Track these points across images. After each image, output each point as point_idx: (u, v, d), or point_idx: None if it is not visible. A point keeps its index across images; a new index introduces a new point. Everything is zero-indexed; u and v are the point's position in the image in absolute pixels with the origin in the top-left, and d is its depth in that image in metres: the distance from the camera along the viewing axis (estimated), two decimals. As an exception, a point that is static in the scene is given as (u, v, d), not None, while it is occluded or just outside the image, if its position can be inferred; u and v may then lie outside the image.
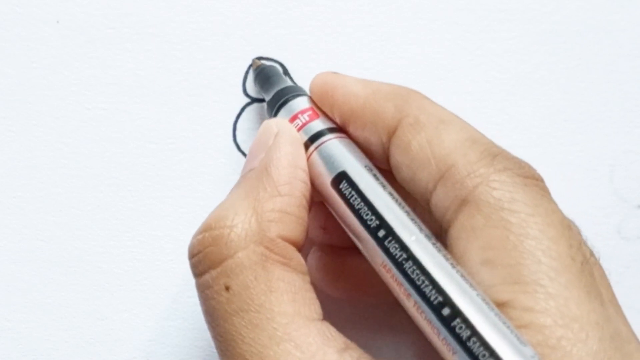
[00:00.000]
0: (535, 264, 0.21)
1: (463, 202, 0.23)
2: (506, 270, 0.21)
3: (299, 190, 0.24)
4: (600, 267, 0.24)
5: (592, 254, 0.24)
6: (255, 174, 0.25)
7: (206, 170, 0.31)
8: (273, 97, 0.28)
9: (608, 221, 0.33)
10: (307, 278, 0.24)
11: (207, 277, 0.23)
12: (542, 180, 0.24)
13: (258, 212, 0.23)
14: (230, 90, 0.31)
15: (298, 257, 0.24)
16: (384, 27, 0.32)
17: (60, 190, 0.30)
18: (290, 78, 0.31)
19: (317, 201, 0.27)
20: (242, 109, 0.31)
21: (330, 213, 0.28)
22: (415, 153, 0.24)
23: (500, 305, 0.21)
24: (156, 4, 0.31)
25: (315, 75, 0.28)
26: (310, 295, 0.23)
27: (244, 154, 0.31)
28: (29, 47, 0.30)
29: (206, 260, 0.23)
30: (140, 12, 0.30)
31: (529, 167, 0.24)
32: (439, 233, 0.25)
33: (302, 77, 0.31)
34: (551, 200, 0.23)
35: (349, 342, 0.22)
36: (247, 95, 0.31)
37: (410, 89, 0.26)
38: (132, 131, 0.30)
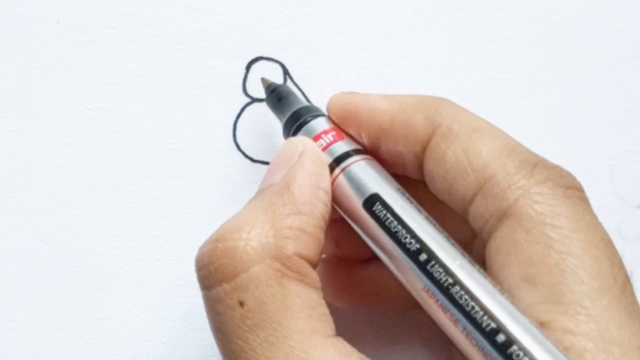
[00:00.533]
0: (578, 284, 0.21)
1: (504, 215, 0.22)
2: (547, 289, 0.21)
3: (319, 211, 0.24)
4: (631, 285, 0.24)
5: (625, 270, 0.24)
6: (276, 189, 0.24)
7: (206, 170, 0.31)
8: (290, 117, 0.27)
9: (608, 221, 0.33)
10: (321, 294, 0.23)
11: (218, 290, 0.22)
12: (582, 191, 0.23)
13: (276, 228, 0.23)
14: (230, 90, 0.31)
15: (313, 274, 0.23)
16: (384, 27, 0.32)
17: (60, 190, 0.30)
18: (291, 78, 0.31)
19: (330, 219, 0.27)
20: (242, 109, 0.31)
21: (343, 228, 0.27)
22: (452, 164, 0.24)
23: (540, 326, 0.21)
24: (156, 4, 0.31)
25: (331, 97, 0.27)
26: (325, 311, 0.23)
27: (244, 154, 0.31)
28: (29, 47, 0.30)
29: (218, 273, 0.22)
30: (140, 12, 0.30)
31: (570, 176, 0.23)
32: (473, 242, 0.25)
33: (302, 77, 0.31)
34: (593, 214, 0.23)
35: (364, 357, 0.22)
36: (247, 95, 0.31)
37: (438, 98, 0.26)
38: (132, 131, 0.30)
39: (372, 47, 0.32)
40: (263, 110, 0.31)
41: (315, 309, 0.22)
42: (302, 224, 0.23)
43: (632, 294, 0.22)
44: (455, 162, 0.24)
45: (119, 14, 0.30)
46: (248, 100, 0.31)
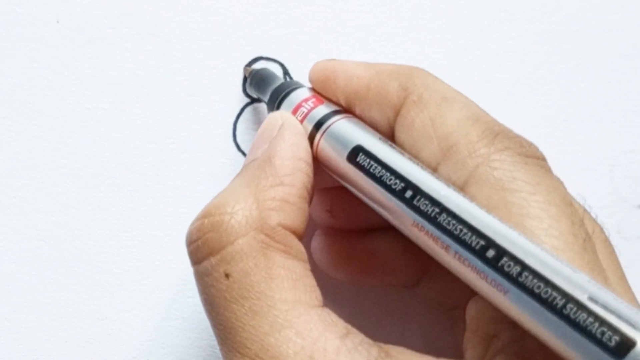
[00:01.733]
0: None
1: (465, 183, 0.23)
2: None
3: (301, 181, 0.24)
4: (609, 244, 0.24)
5: (601, 230, 0.24)
6: (258, 163, 0.25)
7: (206, 170, 0.31)
8: (272, 94, 0.28)
9: (608, 221, 0.33)
10: (307, 265, 0.23)
11: (206, 264, 0.23)
12: (543, 159, 0.23)
13: (259, 200, 0.23)
14: (230, 90, 0.31)
15: (298, 245, 0.24)
16: (384, 27, 0.32)
17: (60, 190, 0.30)
18: (290, 78, 0.31)
19: (322, 188, 0.27)
20: (242, 109, 0.31)
21: (336, 197, 0.28)
22: (418, 131, 0.24)
23: None
24: (156, 4, 0.31)
25: (313, 64, 0.28)
26: (311, 282, 0.23)
27: (244, 154, 0.31)
28: (29, 47, 0.30)
29: (205, 247, 0.23)
30: (140, 12, 0.30)
31: (530, 145, 0.23)
32: None
33: (302, 77, 0.31)
34: (553, 177, 0.23)
35: (349, 327, 0.22)
36: (247, 95, 0.31)
37: (413, 67, 0.26)
38: (132, 131, 0.30)
39: (372, 47, 0.32)
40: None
41: (300, 280, 0.23)
42: (285, 195, 0.24)
43: (594, 251, 0.22)
44: (422, 129, 0.24)
45: (119, 14, 0.30)
46: (248, 100, 0.31)
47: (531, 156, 0.23)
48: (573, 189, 0.32)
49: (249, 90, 0.30)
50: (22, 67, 0.30)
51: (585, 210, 0.24)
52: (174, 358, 0.30)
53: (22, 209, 0.30)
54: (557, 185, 0.23)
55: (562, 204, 0.22)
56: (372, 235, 0.28)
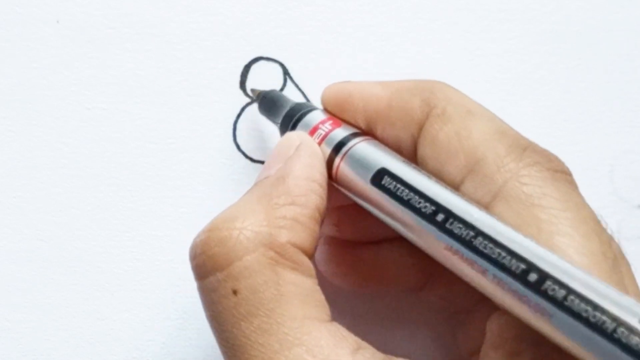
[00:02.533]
0: None
1: (493, 198, 0.22)
2: None
3: (314, 203, 0.24)
4: (627, 262, 0.24)
5: (618, 246, 0.24)
6: (271, 181, 0.24)
7: (206, 170, 0.31)
8: (285, 115, 0.28)
9: (608, 221, 0.33)
10: (316, 281, 0.23)
11: (212, 279, 0.22)
12: (570, 174, 0.23)
13: (270, 218, 0.23)
14: (230, 90, 0.31)
15: (307, 262, 0.23)
16: (384, 27, 0.32)
17: (60, 190, 0.30)
18: (291, 78, 0.31)
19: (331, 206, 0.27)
20: (242, 109, 0.31)
21: (343, 212, 0.27)
22: (443, 145, 0.24)
23: None
24: (156, 4, 0.31)
25: (324, 88, 0.27)
26: (320, 298, 0.23)
27: (244, 154, 0.31)
28: (29, 47, 0.30)
29: (211, 262, 0.23)
30: (140, 12, 0.30)
31: (558, 160, 0.23)
32: None
33: (302, 77, 0.31)
34: (580, 195, 0.23)
35: (360, 341, 0.22)
36: (247, 95, 0.31)
37: (434, 81, 0.26)
38: (132, 131, 0.30)
39: (372, 47, 0.32)
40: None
41: (310, 296, 0.22)
42: (296, 215, 0.23)
43: (621, 272, 0.22)
44: (447, 143, 0.24)
45: (119, 14, 0.30)
46: (248, 100, 0.31)
47: (559, 171, 0.23)
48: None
49: (260, 112, 0.30)
50: (22, 67, 0.30)
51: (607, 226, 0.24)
52: (174, 358, 0.30)
53: (22, 209, 0.30)
54: (584, 203, 0.22)
55: (591, 222, 0.22)
56: (377, 245, 0.28)
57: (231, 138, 0.31)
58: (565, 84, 0.33)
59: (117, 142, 0.30)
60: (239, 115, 0.31)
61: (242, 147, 0.31)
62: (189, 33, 0.31)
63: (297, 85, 0.31)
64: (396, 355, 0.22)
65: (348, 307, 0.31)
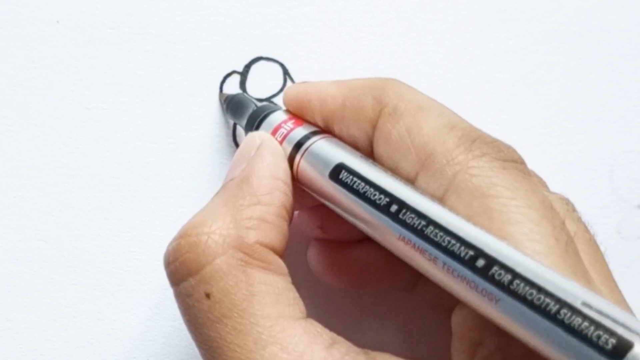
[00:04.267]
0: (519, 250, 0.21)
1: (445, 191, 0.23)
2: None
3: (279, 200, 0.24)
4: (594, 243, 0.24)
5: (585, 229, 0.24)
6: (236, 182, 0.25)
7: (206, 170, 0.31)
8: (250, 117, 0.28)
9: (608, 221, 0.33)
10: (289, 279, 0.23)
11: (185, 285, 0.23)
12: (522, 163, 0.23)
13: (237, 219, 0.23)
14: (230, 90, 0.31)
15: (278, 261, 0.23)
16: (384, 27, 0.32)
17: (60, 190, 0.30)
18: (291, 78, 0.31)
19: (312, 205, 0.27)
20: (242, 109, 0.31)
21: (326, 214, 0.28)
22: (396, 143, 0.24)
23: None
24: (156, 4, 0.31)
25: (285, 89, 0.28)
26: (293, 295, 0.23)
27: (244, 154, 0.31)
28: (29, 47, 0.30)
29: (183, 268, 0.23)
30: (140, 12, 0.30)
31: (509, 149, 0.23)
32: None
33: (302, 77, 0.31)
34: (532, 181, 0.23)
35: (335, 336, 0.22)
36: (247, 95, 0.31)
37: (386, 78, 0.26)
38: (132, 131, 0.30)
39: (372, 47, 0.32)
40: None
41: (282, 294, 0.23)
42: (263, 214, 0.24)
43: (576, 254, 0.22)
44: (399, 140, 0.24)
45: (119, 14, 0.30)
46: (248, 100, 0.31)
47: (509, 160, 0.23)
48: (573, 189, 0.32)
49: (226, 117, 0.30)
50: (22, 67, 0.30)
51: (568, 210, 0.24)
52: (174, 358, 0.30)
53: (22, 209, 0.30)
54: (536, 188, 0.22)
55: (542, 208, 0.22)
56: (366, 244, 0.28)
57: (231, 138, 0.31)
58: (565, 84, 0.33)
59: (117, 142, 0.30)
60: (239, 115, 0.31)
61: (242, 147, 0.31)
62: (189, 33, 0.31)
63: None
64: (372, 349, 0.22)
65: (341, 304, 0.31)
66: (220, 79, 0.31)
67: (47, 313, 0.30)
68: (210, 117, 0.31)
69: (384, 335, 0.31)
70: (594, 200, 0.30)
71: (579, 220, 0.24)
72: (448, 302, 0.28)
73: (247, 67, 0.31)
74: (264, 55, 0.31)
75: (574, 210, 0.24)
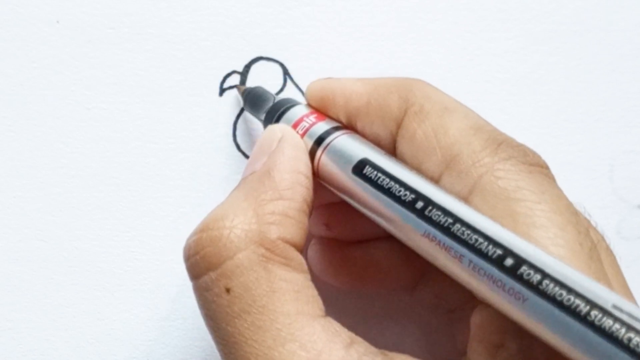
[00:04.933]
0: None
1: (469, 192, 0.23)
2: None
3: (301, 195, 0.24)
4: (611, 252, 0.24)
5: (602, 239, 0.24)
6: (257, 176, 0.24)
7: (206, 170, 0.31)
8: (270, 110, 0.28)
9: (608, 221, 0.33)
10: (309, 276, 0.23)
11: (205, 279, 0.23)
12: (547, 168, 0.23)
13: (259, 214, 0.23)
14: (230, 90, 0.31)
15: (298, 257, 0.23)
16: (384, 27, 0.32)
17: (60, 190, 0.30)
18: (291, 78, 0.31)
19: (320, 204, 0.27)
20: (242, 109, 0.31)
21: (333, 212, 0.28)
22: (421, 142, 0.24)
23: None
24: (156, 4, 0.31)
25: (308, 84, 0.28)
26: (313, 293, 0.23)
27: (244, 154, 0.31)
28: (29, 47, 0.30)
29: (204, 262, 0.23)
30: (140, 12, 0.30)
31: (534, 154, 0.23)
32: None
33: (302, 77, 0.31)
34: (557, 187, 0.23)
35: (354, 336, 0.22)
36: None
37: (412, 79, 0.26)
38: (132, 131, 0.30)
39: (372, 47, 0.32)
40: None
41: (302, 292, 0.22)
42: (285, 209, 0.24)
43: (599, 260, 0.22)
44: (425, 140, 0.24)
45: (119, 14, 0.30)
46: (248, 100, 0.31)
47: (535, 164, 0.23)
48: (573, 189, 0.32)
49: (245, 109, 0.30)
50: (22, 67, 0.30)
51: (588, 219, 0.24)
52: (174, 358, 0.30)
53: (22, 209, 0.30)
54: (561, 194, 0.23)
55: (567, 213, 0.22)
56: (368, 244, 0.28)
57: (231, 138, 0.31)
58: (565, 84, 0.33)
59: (117, 142, 0.30)
60: (238, 115, 0.31)
61: (242, 147, 0.31)
62: (189, 33, 0.31)
63: (297, 85, 0.31)
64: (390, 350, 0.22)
65: (343, 303, 0.31)
66: (220, 79, 0.31)
67: (47, 313, 0.30)
68: (210, 117, 0.31)
69: (401, 337, 0.31)
70: (594, 200, 0.30)
71: (596, 229, 0.24)
72: (448, 302, 0.28)
73: (247, 67, 0.31)
74: (264, 55, 0.31)
75: (590, 217, 0.25)
